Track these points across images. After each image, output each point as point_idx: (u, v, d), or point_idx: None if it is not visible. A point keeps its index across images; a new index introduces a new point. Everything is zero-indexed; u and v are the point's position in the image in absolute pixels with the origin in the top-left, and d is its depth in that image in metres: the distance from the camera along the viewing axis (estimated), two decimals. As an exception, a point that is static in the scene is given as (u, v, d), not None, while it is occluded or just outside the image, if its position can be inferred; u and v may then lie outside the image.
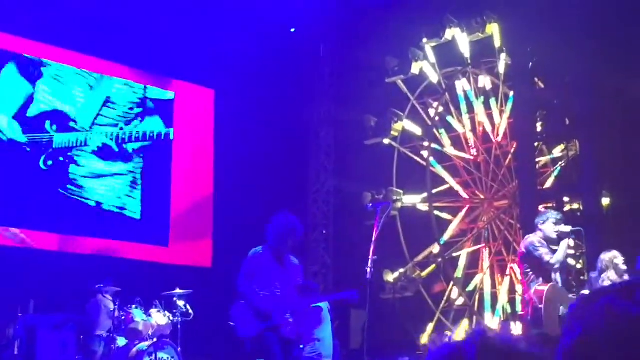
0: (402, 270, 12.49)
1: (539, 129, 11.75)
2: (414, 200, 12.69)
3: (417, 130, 12.85)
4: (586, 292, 8.22)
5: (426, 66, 12.73)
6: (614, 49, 10.09)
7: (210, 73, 13.02)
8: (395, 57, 12.83)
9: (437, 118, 12.82)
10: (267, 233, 6.90)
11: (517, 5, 11.18)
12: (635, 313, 1.34)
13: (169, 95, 13.13)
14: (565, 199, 10.97)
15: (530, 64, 11.37)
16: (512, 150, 12.34)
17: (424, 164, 12.64)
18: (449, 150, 12.97)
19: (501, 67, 12.38)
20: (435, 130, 12.81)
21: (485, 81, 12.72)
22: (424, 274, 12.52)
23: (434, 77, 12.80)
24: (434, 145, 12.72)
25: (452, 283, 12.32)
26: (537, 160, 11.71)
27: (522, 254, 7.25)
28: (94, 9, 11.55)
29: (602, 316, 1.37)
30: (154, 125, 12.84)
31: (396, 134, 12.86)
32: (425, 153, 12.73)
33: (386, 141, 12.85)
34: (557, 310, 6.78)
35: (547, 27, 10.63)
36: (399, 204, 12.53)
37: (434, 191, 12.64)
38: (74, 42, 11.79)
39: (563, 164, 11.61)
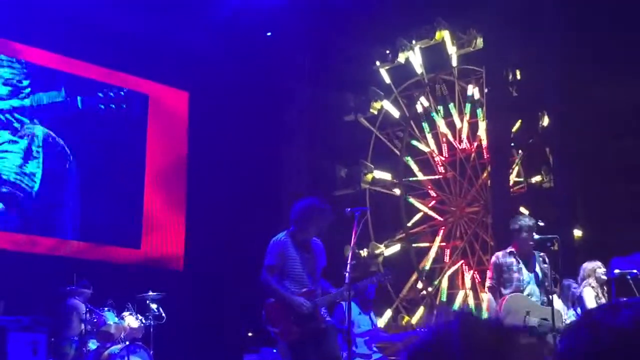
0: (389, 312, 12.35)
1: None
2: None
3: (387, 177, 13.07)
4: (557, 299, 8.34)
5: (386, 104, 12.97)
6: (587, 60, 10.26)
7: (184, 75, 12.96)
8: (353, 93, 13.05)
9: (403, 146, 12.99)
10: (294, 216, 6.36)
11: (495, 16, 11.29)
12: (617, 326, 1.36)
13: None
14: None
15: (505, 72, 11.51)
16: (474, 150, 12.55)
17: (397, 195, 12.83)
18: (419, 176, 13.14)
19: (454, 61, 12.54)
20: (404, 159, 12.94)
21: (442, 89, 12.85)
22: (414, 321, 12.27)
23: (395, 112, 13.04)
24: (405, 180, 12.95)
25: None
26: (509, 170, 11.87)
27: None
28: (73, 11, 11.44)
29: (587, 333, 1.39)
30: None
31: (366, 185, 12.96)
32: (397, 190, 12.86)
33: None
34: (516, 320, 6.65)
35: (523, 37, 10.78)
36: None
37: (408, 224, 12.76)
38: (57, 44, 11.72)
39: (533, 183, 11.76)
